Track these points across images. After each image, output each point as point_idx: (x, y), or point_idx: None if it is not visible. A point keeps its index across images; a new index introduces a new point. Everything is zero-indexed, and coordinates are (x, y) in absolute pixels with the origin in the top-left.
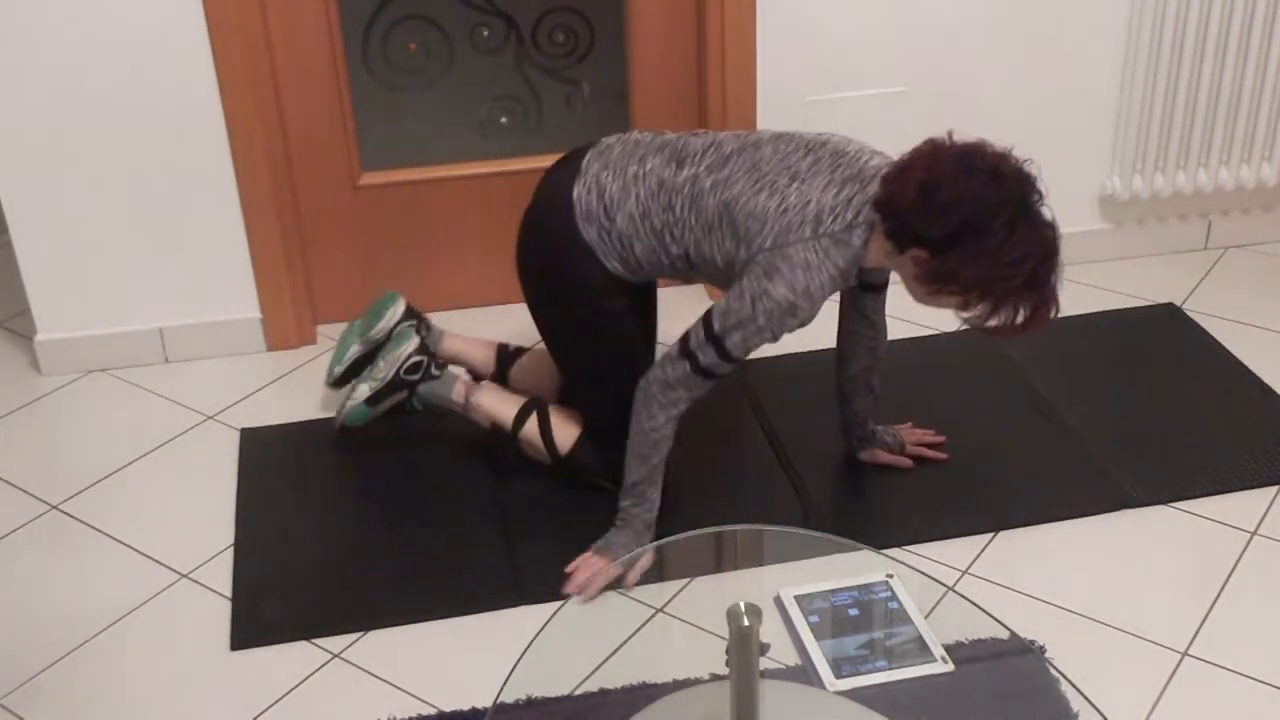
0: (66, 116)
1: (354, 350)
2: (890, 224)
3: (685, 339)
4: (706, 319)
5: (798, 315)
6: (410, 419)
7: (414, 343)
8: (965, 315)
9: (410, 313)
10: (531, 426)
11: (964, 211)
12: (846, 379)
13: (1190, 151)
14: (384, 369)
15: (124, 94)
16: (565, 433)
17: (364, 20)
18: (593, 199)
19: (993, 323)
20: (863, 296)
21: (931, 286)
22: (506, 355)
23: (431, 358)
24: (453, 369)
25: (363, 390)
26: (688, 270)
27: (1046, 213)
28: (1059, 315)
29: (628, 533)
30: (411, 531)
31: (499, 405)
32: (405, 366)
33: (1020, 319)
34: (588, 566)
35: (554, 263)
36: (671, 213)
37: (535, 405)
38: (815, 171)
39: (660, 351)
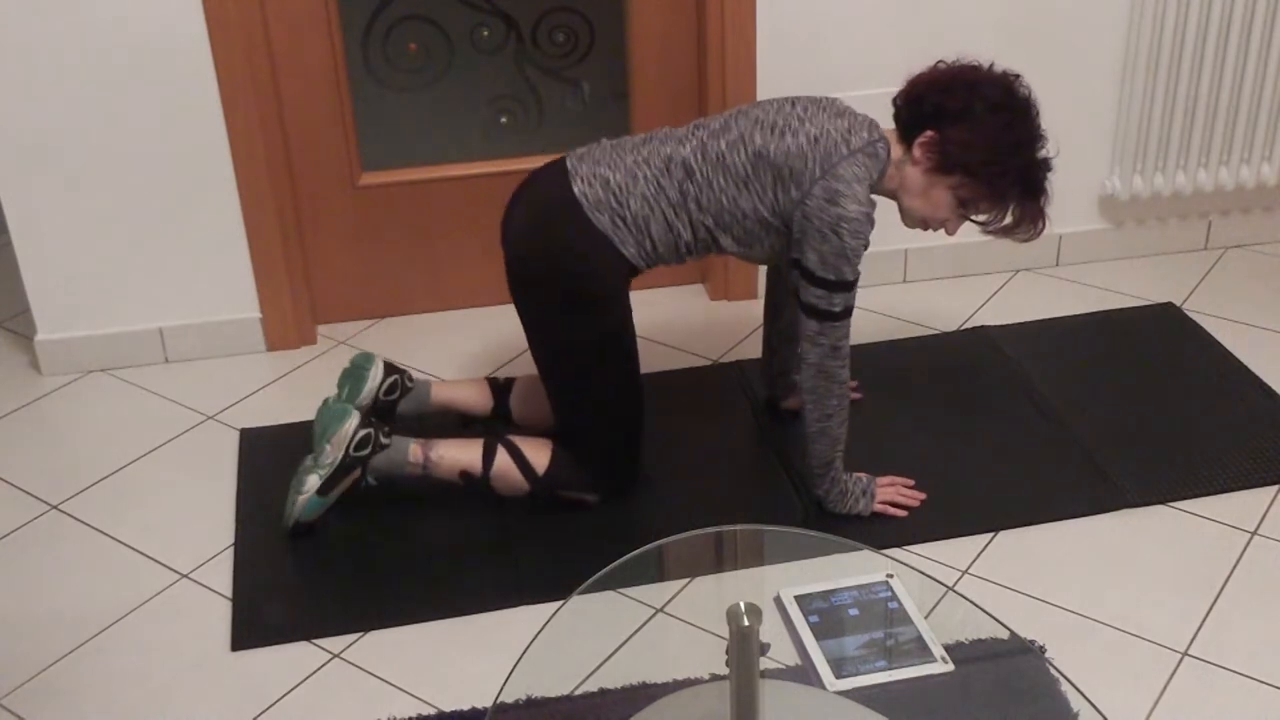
0: (67, 117)
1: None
2: (906, 112)
3: (809, 311)
4: (810, 280)
5: (870, 220)
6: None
7: (355, 417)
8: (961, 211)
9: (391, 369)
10: (503, 459)
11: (979, 92)
12: (777, 331)
13: (1190, 151)
14: (331, 453)
15: (124, 94)
16: (538, 453)
17: (364, 20)
18: (598, 190)
19: (983, 216)
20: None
21: (934, 176)
22: (499, 387)
23: (377, 426)
24: (399, 438)
25: (312, 481)
26: (709, 239)
27: (1046, 153)
28: (1044, 230)
29: (849, 493)
30: (411, 531)
31: (461, 451)
32: (354, 443)
33: (1010, 219)
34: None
35: (569, 259)
36: (692, 181)
37: (498, 439)
38: (810, 115)
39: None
